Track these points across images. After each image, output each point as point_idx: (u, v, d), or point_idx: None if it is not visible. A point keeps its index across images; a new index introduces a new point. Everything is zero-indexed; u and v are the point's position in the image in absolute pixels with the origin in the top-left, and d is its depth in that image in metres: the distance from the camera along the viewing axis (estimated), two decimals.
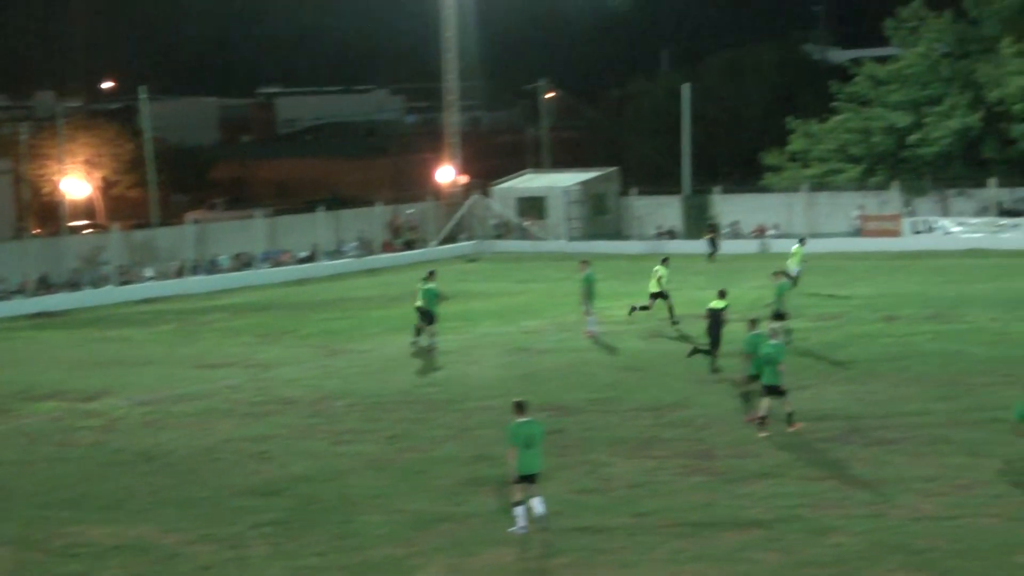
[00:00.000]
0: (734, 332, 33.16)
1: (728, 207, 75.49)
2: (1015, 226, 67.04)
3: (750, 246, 71.00)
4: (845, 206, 73.59)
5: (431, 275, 41.46)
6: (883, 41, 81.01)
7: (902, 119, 73.83)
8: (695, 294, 49.16)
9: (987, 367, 32.59)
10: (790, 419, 26.61)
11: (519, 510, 20.78)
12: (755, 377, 27.59)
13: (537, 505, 20.78)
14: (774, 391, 26.59)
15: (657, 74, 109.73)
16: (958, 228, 68.56)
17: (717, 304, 33.74)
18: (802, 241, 50.57)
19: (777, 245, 69.66)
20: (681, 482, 23.30)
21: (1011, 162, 72.08)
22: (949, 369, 32.59)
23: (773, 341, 26.94)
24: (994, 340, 36.61)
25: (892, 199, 72.49)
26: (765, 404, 26.64)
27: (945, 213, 71.95)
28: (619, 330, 41.68)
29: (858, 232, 71.16)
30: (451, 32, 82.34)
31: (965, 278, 52.46)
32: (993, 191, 69.90)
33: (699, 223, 76.35)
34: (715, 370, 33.10)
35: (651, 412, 29.13)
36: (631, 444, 26.17)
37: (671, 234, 76.72)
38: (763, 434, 26.30)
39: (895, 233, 69.25)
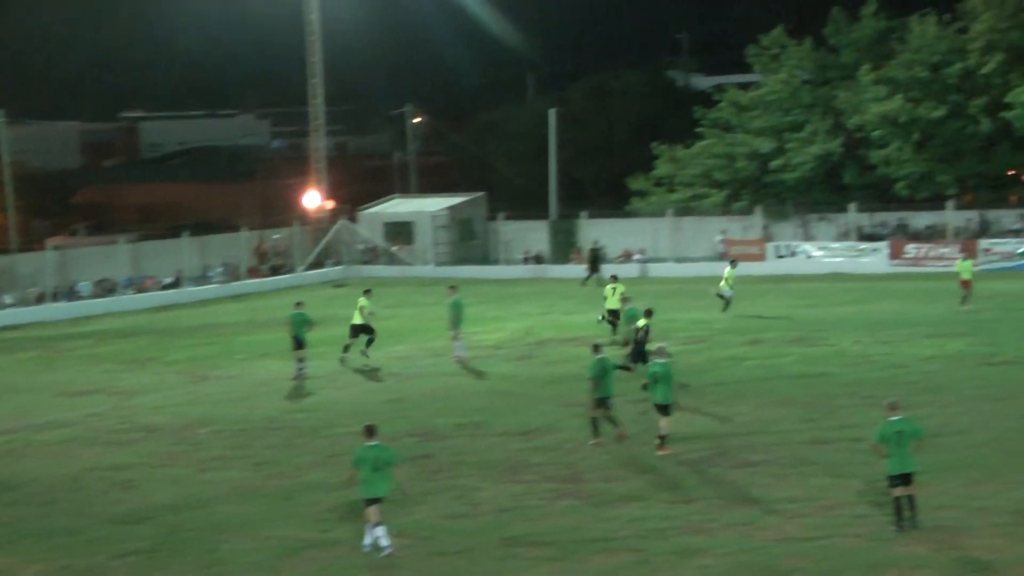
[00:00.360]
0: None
1: (595, 231, 75.89)
2: (874, 250, 68.30)
3: (628, 270, 71.39)
4: (710, 231, 74.46)
5: (367, 293, 42.93)
6: (746, 68, 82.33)
7: (765, 145, 75.05)
8: (563, 319, 49.58)
9: (849, 389, 33.09)
10: (663, 441, 26.94)
11: (380, 531, 20.76)
12: (602, 401, 27.85)
13: (372, 534, 20.88)
14: (665, 409, 26.91)
15: (524, 99, 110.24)
16: (820, 252, 69.69)
17: (642, 322, 34.58)
18: (733, 263, 51.19)
19: (652, 269, 70.56)
20: (549, 506, 23.35)
21: (870, 187, 73.55)
22: (812, 391, 33.04)
23: (661, 360, 27.22)
24: (856, 362, 37.20)
25: (756, 224, 73.50)
26: (663, 424, 26.94)
27: (807, 237, 73.13)
28: (487, 355, 41.73)
29: (722, 256, 72.02)
30: (316, 57, 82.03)
31: (827, 301, 53.28)
32: (853, 216, 71.20)
33: (566, 247, 76.89)
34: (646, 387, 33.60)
35: (520, 436, 29.17)
36: (500, 468, 26.18)
37: (538, 259, 77.05)
38: (665, 451, 26.67)
39: (759, 257, 70.15)
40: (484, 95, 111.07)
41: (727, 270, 50.06)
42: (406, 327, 50.51)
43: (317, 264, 78.70)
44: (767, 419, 29.81)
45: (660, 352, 27.77)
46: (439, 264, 77.57)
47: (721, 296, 49.38)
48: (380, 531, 20.74)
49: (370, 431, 21.16)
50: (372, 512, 20.82)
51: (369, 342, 41.23)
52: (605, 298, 43.63)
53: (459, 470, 26.22)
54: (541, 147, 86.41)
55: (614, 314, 42.24)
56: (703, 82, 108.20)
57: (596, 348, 28.65)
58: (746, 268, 67.87)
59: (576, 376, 34.19)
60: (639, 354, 34.14)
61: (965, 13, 74.05)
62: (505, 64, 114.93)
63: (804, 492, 23.33)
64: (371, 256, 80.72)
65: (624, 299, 38.53)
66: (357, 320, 41.42)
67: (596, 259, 68.61)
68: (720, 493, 23.60)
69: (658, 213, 75.89)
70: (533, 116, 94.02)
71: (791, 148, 74.30)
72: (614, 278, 44.47)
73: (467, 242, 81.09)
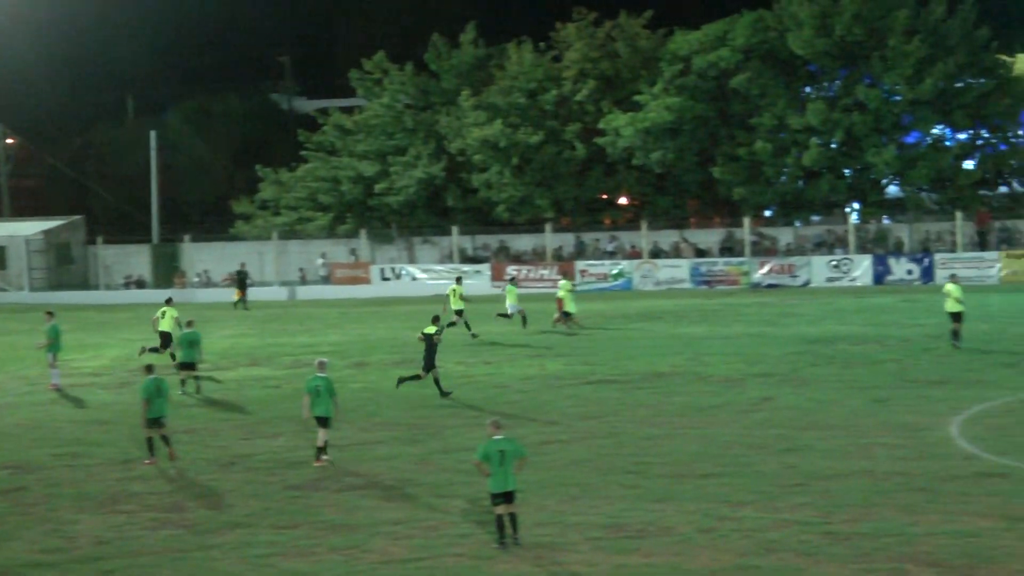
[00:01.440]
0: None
1: (199, 256, 75.00)
2: (477, 272, 69.65)
3: (277, 294, 71.15)
4: (316, 254, 74.64)
5: (168, 301, 43.43)
6: (350, 92, 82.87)
7: (369, 168, 75.63)
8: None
9: (453, 410, 33.56)
10: (321, 452, 27.45)
11: None
12: (154, 421, 27.95)
13: None
14: (325, 422, 27.38)
15: (123, 121, 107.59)
16: (424, 275, 70.63)
17: (429, 329, 35.56)
18: (512, 280, 51.23)
19: (258, 293, 69.97)
20: (150, 536, 22.74)
21: (472, 210, 75.09)
22: (416, 412, 33.34)
23: (321, 375, 27.59)
24: (460, 383, 37.70)
25: (362, 247, 73.96)
26: (321, 435, 27.41)
27: (411, 260, 74.07)
28: (87, 382, 40.49)
29: (326, 279, 72.28)
30: None
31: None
32: (456, 238, 72.50)
33: (169, 271, 75.63)
34: (445, 393, 34.83)
35: (120, 466, 28.37)
36: (98, 499, 25.36)
37: (140, 283, 75.48)
38: (325, 459, 27.31)
39: (364, 280, 70.59)
40: (81, 117, 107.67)
41: (508, 287, 51.22)
42: None
43: None
44: (371, 442, 29.91)
45: (321, 366, 27.99)
46: (34, 290, 75.06)
47: (506, 315, 49.66)
48: None
49: None
50: None
51: (155, 349, 42.04)
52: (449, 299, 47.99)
53: (55, 502, 25.27)
54: (142, 170, 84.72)
55: (458, 313, 47.53)
56: (307, 105, 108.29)
57: (148, 369, 28.66)
58: (352, 291, 68.54)
59: (176, 402, 33.64)
60: (430, 361, 34.93)
61: (559, 42, 76.57)
62: (103, 86, 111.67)
63: (408, 513, 23.47)
64: None
65: (190, 323, 38.53)
66: (165, 327, 42.07)
67: (243, 281, 67.70)
68: (325, 517, 23.49)
69: (263, 236, 75.48)
70: (133, 138, 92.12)
71: (395, 172, 75.12)
72: (459, 280, 48.16)
73: (65, 267, 78.88)
